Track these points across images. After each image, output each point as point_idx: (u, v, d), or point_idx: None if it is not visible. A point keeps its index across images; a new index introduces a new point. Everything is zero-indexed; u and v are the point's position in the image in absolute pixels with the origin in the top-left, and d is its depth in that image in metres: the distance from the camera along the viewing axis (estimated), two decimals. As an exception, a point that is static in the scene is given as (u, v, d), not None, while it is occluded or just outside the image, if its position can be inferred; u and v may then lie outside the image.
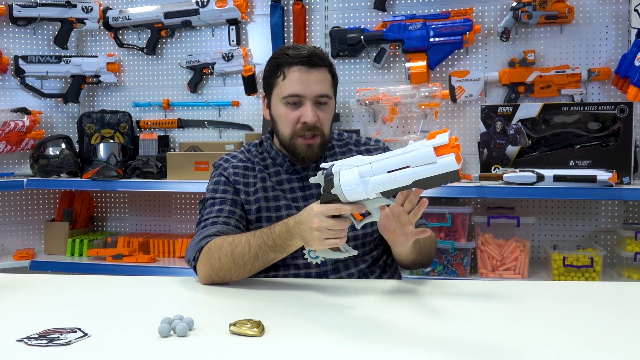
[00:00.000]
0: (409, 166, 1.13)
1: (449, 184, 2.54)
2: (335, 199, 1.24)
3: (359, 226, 1.28)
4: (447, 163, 1.08)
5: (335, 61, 3.07)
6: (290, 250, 1.41)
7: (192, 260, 1.52)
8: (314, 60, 1.54)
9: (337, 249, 1.31)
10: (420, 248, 1.54)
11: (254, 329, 1.08)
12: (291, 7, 3.06)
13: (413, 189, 1.20)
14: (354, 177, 1.19)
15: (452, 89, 2.86)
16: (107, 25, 3.24)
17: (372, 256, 1.64)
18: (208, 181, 1.68)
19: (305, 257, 1.35)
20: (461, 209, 2.68)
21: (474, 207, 2.84)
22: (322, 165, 1.27)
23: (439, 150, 1.09)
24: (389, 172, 1.16)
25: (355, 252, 1.32)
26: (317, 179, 1.28)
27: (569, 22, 2.78)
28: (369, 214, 1.26)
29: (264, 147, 1.70)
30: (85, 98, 3.38)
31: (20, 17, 3.19)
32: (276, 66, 1.58)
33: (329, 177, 1.24)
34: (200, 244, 1.51)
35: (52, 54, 3.28)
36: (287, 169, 1.65)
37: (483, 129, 2.68)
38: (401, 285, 1.50)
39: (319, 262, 1.37)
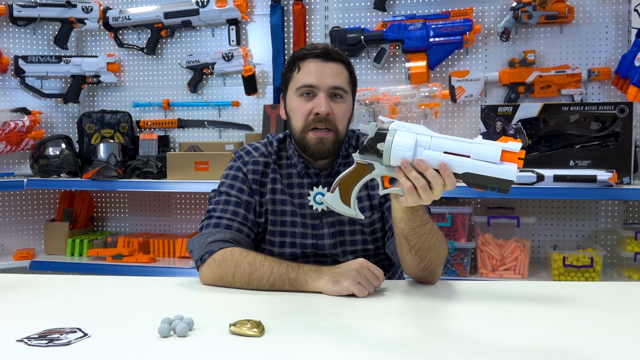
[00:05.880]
0: (469, 156, 1.11)
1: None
2: (376, 156, 1.20)
3: (382, 192, 1.25)
4: (508, 170, 1.07)
5: (335, 61, 3.07)
6: (305, 289, 1.38)
7: (198, 260, 1.49)
8: (329, 53, 1.54)
9: (348, 205, 1.27)
10: (419, 242, 1.39)
11: (254, 329, 1.08)
12: (291, 7, 3.05)
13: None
14: (410, 141, 1.15)
15: (452, 89, 2.86)
16: (107, 25, 3.24)
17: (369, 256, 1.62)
18: (227, 167, 1.64)
19: (308, 198, 1.32)
20: (461, 209, 2.68)
21: (474, 207, 2.84)
22: (380, 117, 1.24)
23: (505, 155, 1.08)
24: (445, 152, 1.13)
25: (362, 217, 1.31)
26: (368, 128, 1.22)
27: (569, 22, 2.78)
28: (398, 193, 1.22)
29: (285, 145, 1.66)
30: (85, 98, 3.38)
31: (20, 17, 3.19)
32: (292, 61, 1.58)
33: (382, 131, 1.19)
34: (211, 247, 1.48)
35: (52, 54, 3.28)
36: (300, 170, 1.61)
37: (483, 129, 2.68)
38: (401, 285, 1.50)
39: (319, 210, 1.33)
